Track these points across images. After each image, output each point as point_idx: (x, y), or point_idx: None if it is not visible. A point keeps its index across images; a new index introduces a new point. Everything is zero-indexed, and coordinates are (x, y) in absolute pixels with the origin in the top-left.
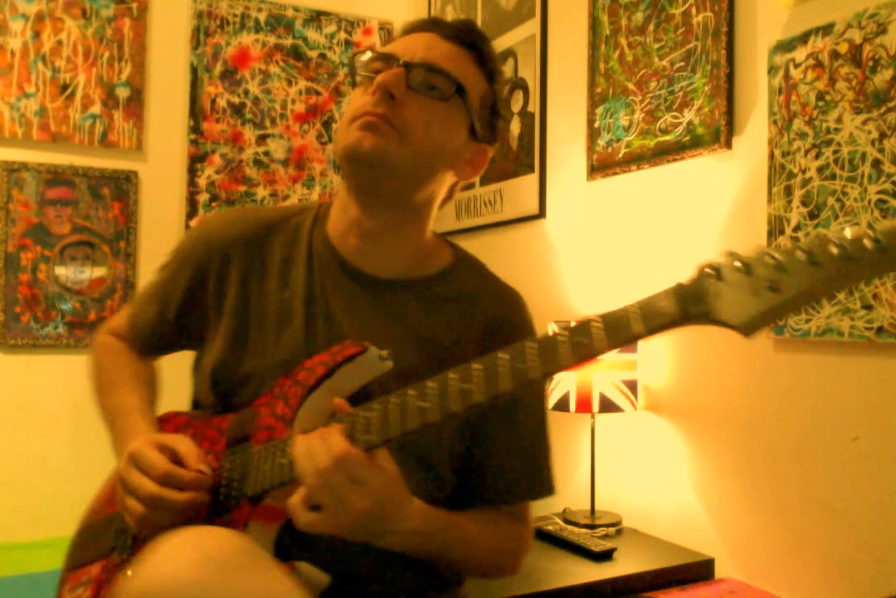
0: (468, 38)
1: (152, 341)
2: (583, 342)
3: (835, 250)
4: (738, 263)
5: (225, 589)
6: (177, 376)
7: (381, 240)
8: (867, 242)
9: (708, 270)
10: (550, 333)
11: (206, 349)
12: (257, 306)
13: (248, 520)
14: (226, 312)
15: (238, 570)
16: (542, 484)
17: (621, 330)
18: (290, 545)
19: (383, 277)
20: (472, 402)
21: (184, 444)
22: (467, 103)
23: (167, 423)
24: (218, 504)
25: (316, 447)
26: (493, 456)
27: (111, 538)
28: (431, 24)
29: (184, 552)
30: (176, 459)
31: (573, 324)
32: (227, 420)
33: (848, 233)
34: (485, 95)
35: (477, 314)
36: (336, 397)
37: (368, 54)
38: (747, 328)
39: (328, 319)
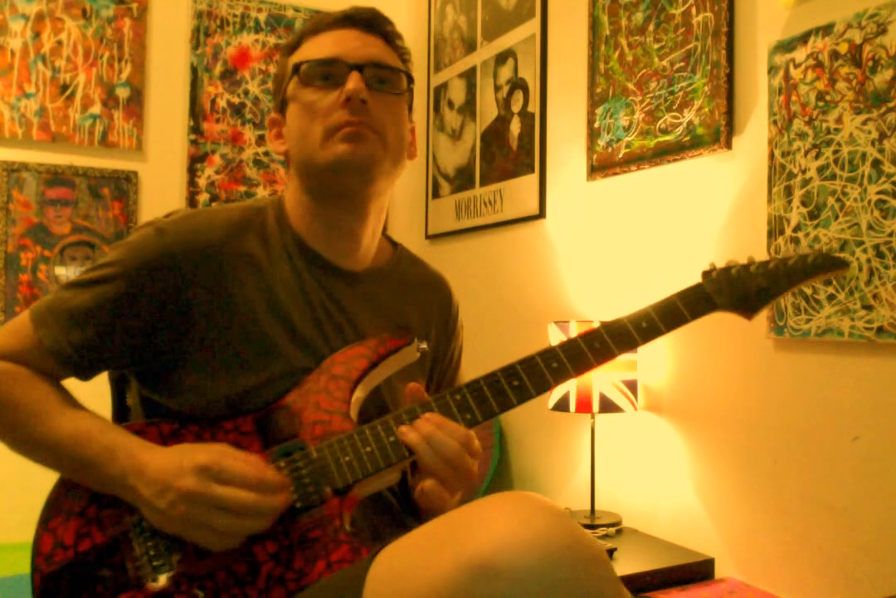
0: (381, 26)
1: (83, 363)
2: (645, 326)
3: (794, 262)
4: (734, 271)
5: (574, 533)
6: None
7: (362, 238)
8: (810, 258)
9: (714, 275)
10: (612, 320)
11: (193, 362)
12: (258, 310)
13: (341, 511)
14: (219, 320)
15: (569, 517)
16: None
17: (676, 316)
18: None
19: (355, 270)
20: (564, 377)
21: (239, 452)
22: (408, 90)
23: (143, 435)
24: (299, 504)
25: (435, 435)
26: None
27: (134, 566)
28: (347, 20)
29: (521, 507)
30: None
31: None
32: (248, 422)
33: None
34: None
35: (433, 301)
36: (372, 385)
37: (311, 62)
38: (751, 314)
39: (329, 315)
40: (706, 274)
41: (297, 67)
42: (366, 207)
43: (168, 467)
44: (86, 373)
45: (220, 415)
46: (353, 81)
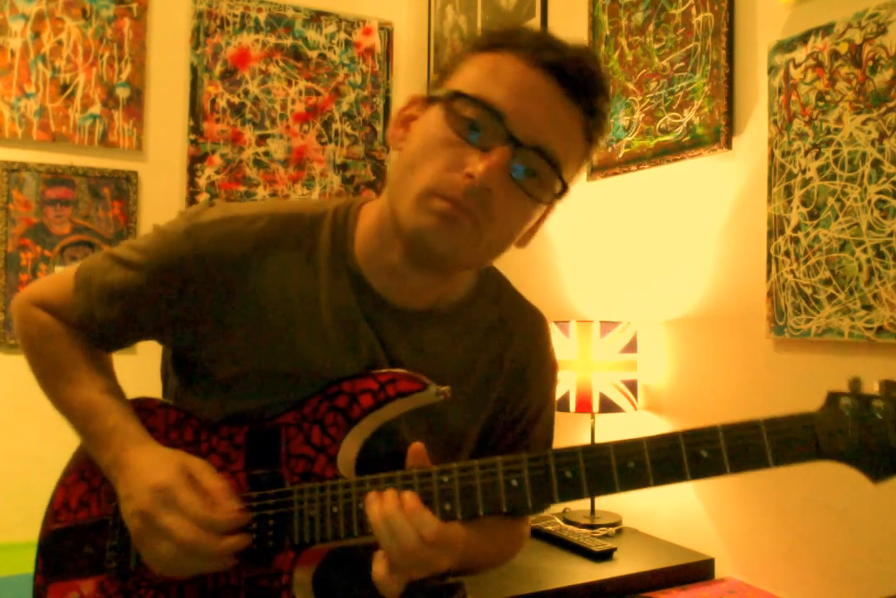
0: (591, 93)
1: (107, 338)
2: (704, 458)
3: None
4: (878, 404)
5: None
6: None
7: (426, 293)
8: None
9: (844, 404)
10: (670, 434)
11: (200, 369)
12: (276, 325)
13: (292, 568)
14: (235, 326)
15: None
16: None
17: (751, 456)
18: (324, 578)
19: (411, 309)
20: (573, 489)
21: (210, 476)
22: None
23: (152, 415)
24: (254, 546)
25: (399, 523)
26: None
27: (107, 555)
28: (555, 67)
29: None
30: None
31: (694, 430)
32: (242, 434)
33: None
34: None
35: (503, 346)
36: (377, 424)
37: (470, 100)
38: (881, 478)
39: (370, 347)
40: (832, 398)
41: (454, 95)
42: (435, 274)
43: (142, 475)
44: (108, 346)
45: (217, 410)
46: (494, 158)
